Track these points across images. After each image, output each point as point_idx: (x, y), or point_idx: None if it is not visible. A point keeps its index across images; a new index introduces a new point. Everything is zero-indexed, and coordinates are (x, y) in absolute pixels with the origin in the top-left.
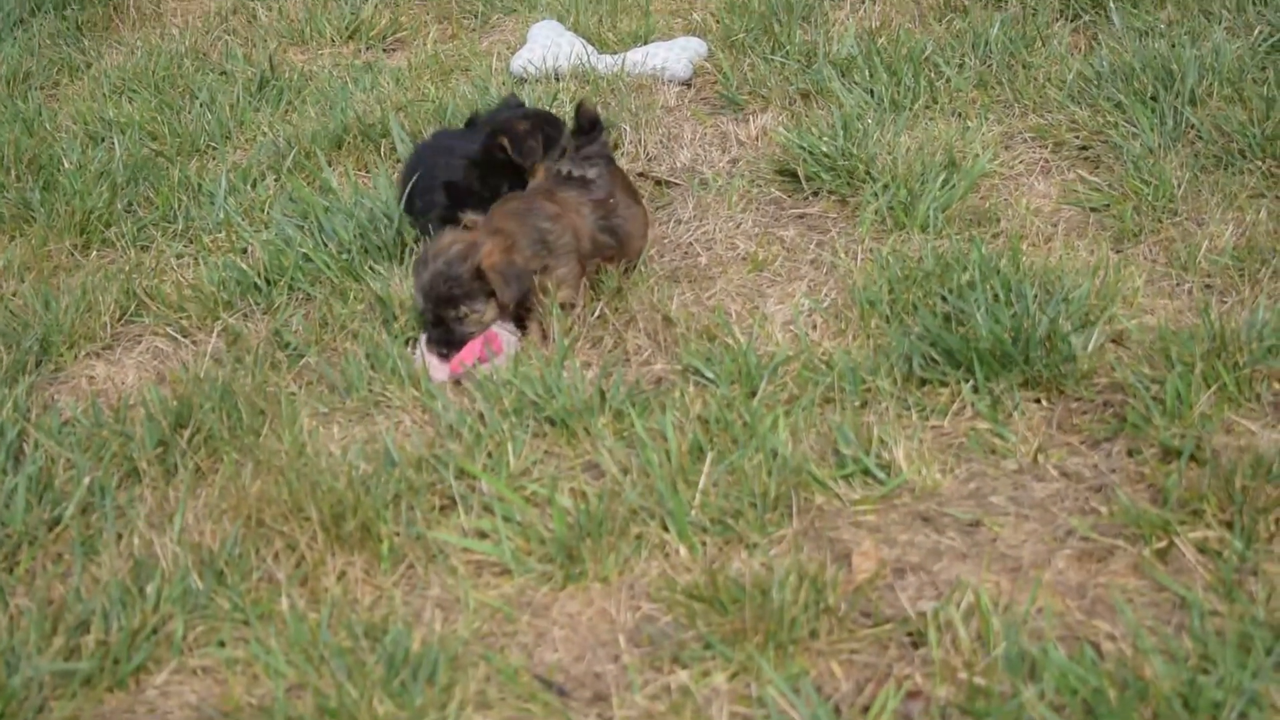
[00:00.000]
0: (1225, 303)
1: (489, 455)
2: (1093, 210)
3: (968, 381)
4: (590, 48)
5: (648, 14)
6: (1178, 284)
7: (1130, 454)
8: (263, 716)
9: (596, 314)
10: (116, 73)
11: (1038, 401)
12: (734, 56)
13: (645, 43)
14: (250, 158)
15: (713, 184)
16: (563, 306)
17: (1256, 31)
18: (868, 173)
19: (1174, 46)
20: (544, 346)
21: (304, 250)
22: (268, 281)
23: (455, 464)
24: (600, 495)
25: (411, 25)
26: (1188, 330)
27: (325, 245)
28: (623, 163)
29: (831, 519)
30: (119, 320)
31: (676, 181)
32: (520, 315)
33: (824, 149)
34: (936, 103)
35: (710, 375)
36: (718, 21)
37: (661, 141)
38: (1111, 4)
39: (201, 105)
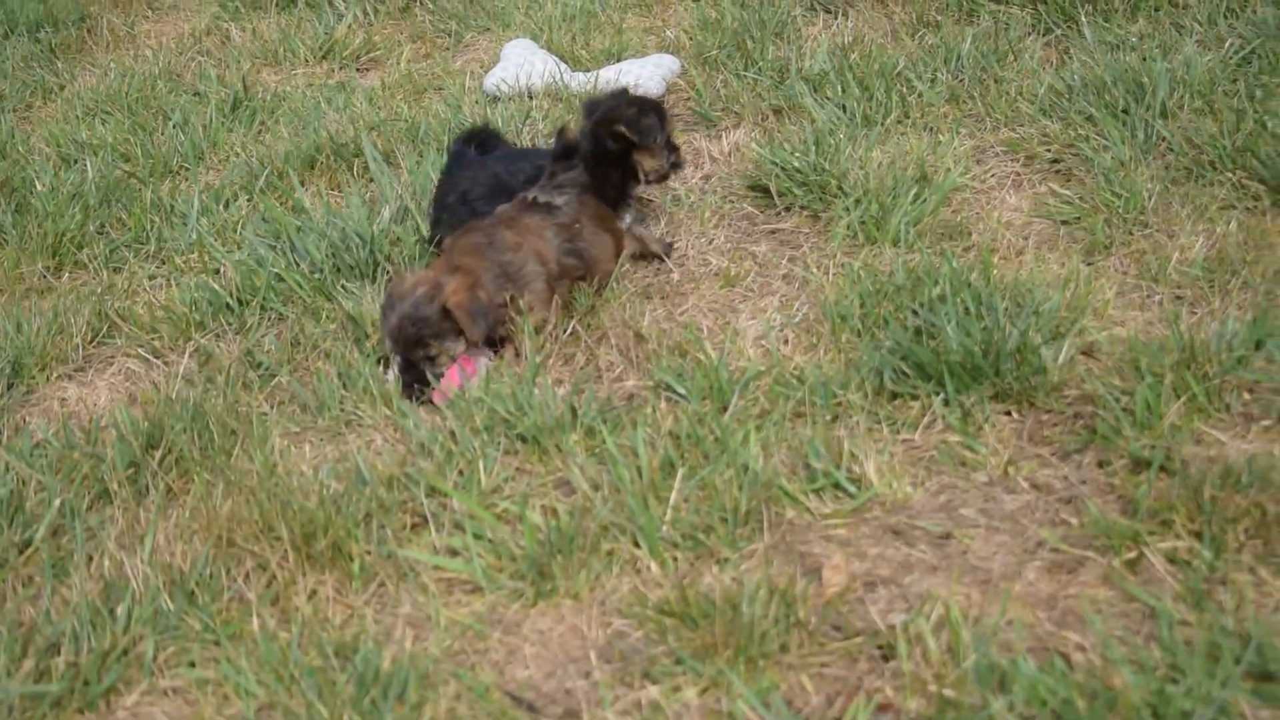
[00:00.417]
0: (1195, 314)
1: (460, 473)
2: (1064, 223)
3: (939, 395)
4: (563, 66)
5: (621, 31)
6: (1148, 296)
7: (1100, 465)
8: None
9: (569, 331)
10: (90, 94)
11: (1008, 414)
12: (707, 73)
13: (618, 60)
14: (223, 178)
15: (685, 200)
16: (538, 324)
17: (1227, 44)
18: (840, 188)
19: (1145, 59)
20: (516, 364)
21: (276, 270)
22: (240, 302)
23: (426, 482)
24: (571, 512)
25: (385, 45)
26: (1158, 342)
27: (298, 265)
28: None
29: (802, 533)
30: (91, 342)
31: (650, 198)
32: (492, 341)
33: (796, 164)
34: (908, 117)
35: (682, 391)
36: (691, 38)
37: None
38: (1083, 17)
39: (175, 126)
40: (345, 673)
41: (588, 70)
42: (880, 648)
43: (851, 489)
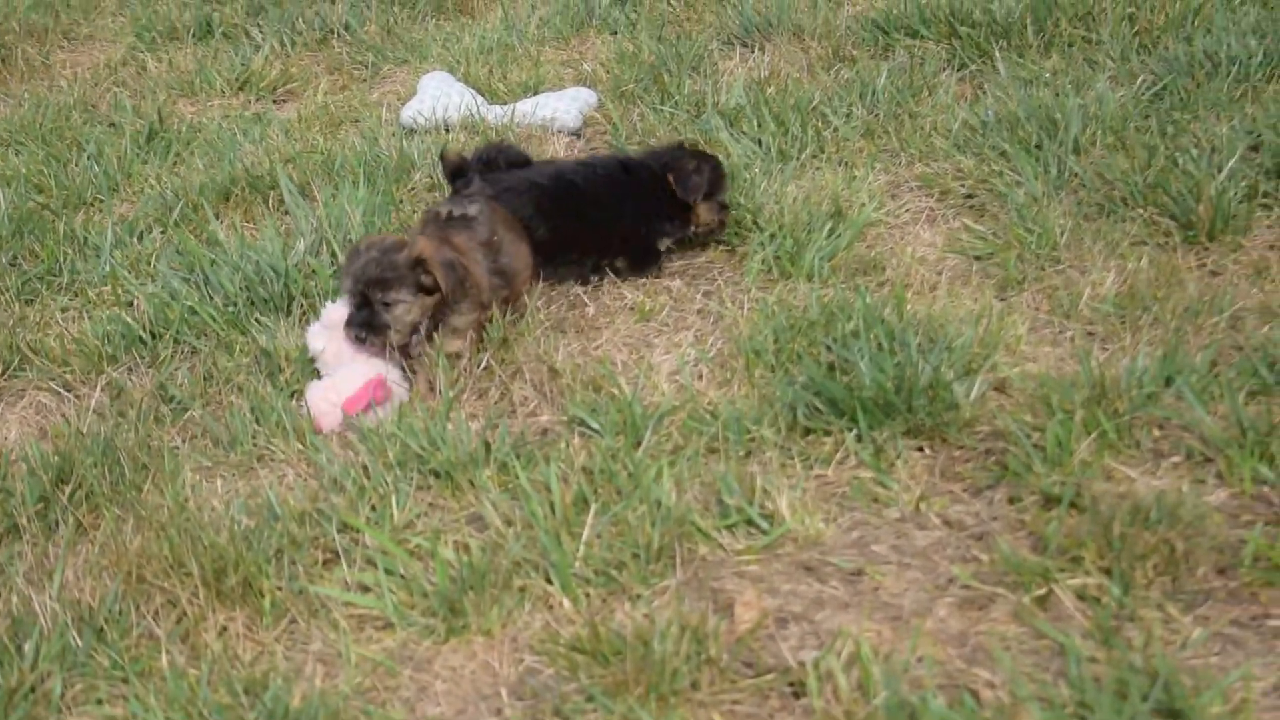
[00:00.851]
0: (1107, 350)
1: (373, 508)
2: (977, 258)
3: (851, 430)
4: (480, 98)
5: (538, 64)
6: (1060, 332)
7: (1011, 501)
8: None
9: (483, 365)
10: (3, 125)
11: (920, 450)
12: (624, 107)
13: (535, 93)
14: (137, 210)
15: None
16: (452, 356)
17: (1139, 80)
18: (755, 222)
19: (1058, 95)
20: (430, 398)
21: (190, 303)
22: (153, 335)
23: (338, 517)
24: (484, 548)
25: (302, 76)
26: (1069, 378)
27: (211, 298)
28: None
29: (715, 569)
30: (1, 375)
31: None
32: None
33: None
34: (824, 152)
35: (595, 426)
36: (608, 72)
37: None
38: (997, 53)
39: (89, 157)
40: (255, 710)
41: (504, 103)
42: (791, 685)
43: (764, 525)
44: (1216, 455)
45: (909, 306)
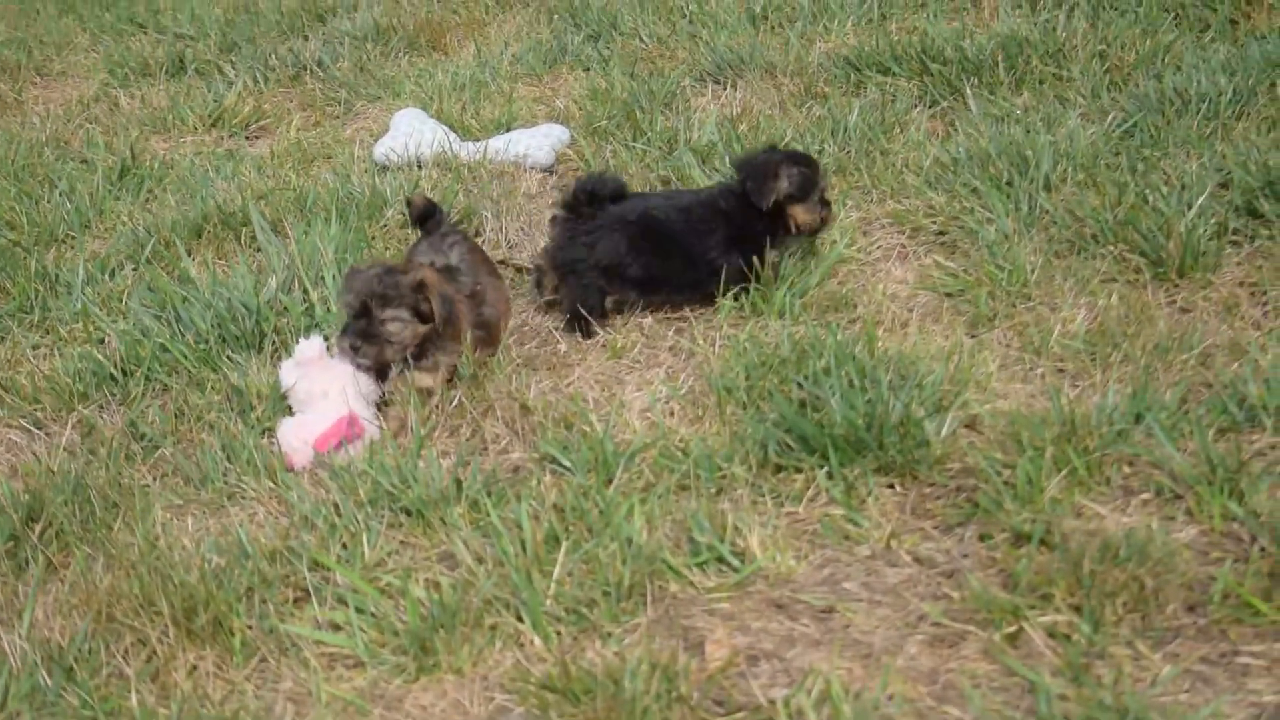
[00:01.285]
0: (1077, 387)
1: (344, 546)
2: (948, 295)
3: (822, 467)
4: (453, 135)
5: (511, 101)
6: (1031, 369)
7: (982, 539)
8: None
9: (454, 403)
10: None
11: (891, 487)
12: (596, 143)
13: (508, 130)
14: (109, 247)
15: None
16: (423, 391)
17: (1110, 117)
18: None
19: (1029, 132)
20: (402, 435)
21: (161, 340)
22: (124, 372)
23: (309, 555)
24: (455, 586)
25: (275, 113)
26: (1039, 415)
27: (183, 335)
28: (484, 250)
29: (686, 607)
30: None
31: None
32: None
33: None
34: None
35: (567, 464)
36: (580, 109)
37: (523, 229)
38: (969, 90)
39: (61, 194)
40: None
41: (477, 139)
42: None
43: (735, 562)
44: (1186, 492)
45: (880, 343)
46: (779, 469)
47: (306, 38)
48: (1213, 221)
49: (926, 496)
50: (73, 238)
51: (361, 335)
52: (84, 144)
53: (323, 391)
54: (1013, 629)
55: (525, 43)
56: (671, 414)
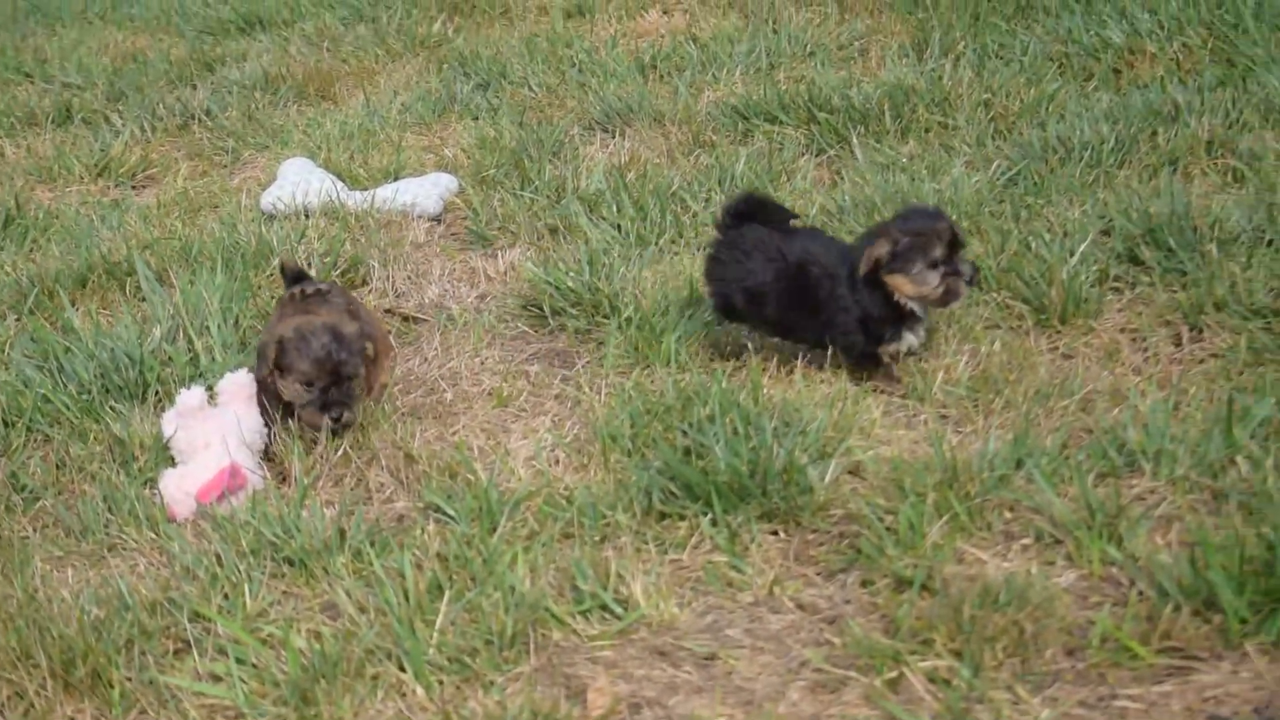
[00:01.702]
0: (960, 433)
1: (225, 597)
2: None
3: (706, 514)
4: (340, 184)
5: (399, 149)
6: (914, 415)
7: (864, 584)
8: None
9: (339, 452)
10: None
11: (775, 533)
12: (484, 192)
13: (396, 178)
14: None
15: (460, 320)
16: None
17: (994, 165)
18: (613, 307)
19: (914, 180)
20: (286, 486)
21: (43, 391)
22: (5, 423)
23: (190, 606)
24: (336, 636)
25: (162, 162)
26: (922, 461)
27: (65, 386)
28: (370, 299)
29: (569, 655)
30: None
31: (424, 317)
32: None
33: (570, 284)
34: (682, 237)
35: (451, 512)
36: (469, 157)
37: (410, 278)
38: (855, 139)
39: None
40: None
41: (365, 188)
42: None
43: (618, 610)
44: (1066, 537)
45: (765, 391)
46: (663, 516)
47: (195, 87)
48: (1094, 268)
49: (810, 543)
50: None
51: (343, 404)
52: None
53: (205, 442)
54: (894, 674)
55: (414, 91)
56: (557, 462)
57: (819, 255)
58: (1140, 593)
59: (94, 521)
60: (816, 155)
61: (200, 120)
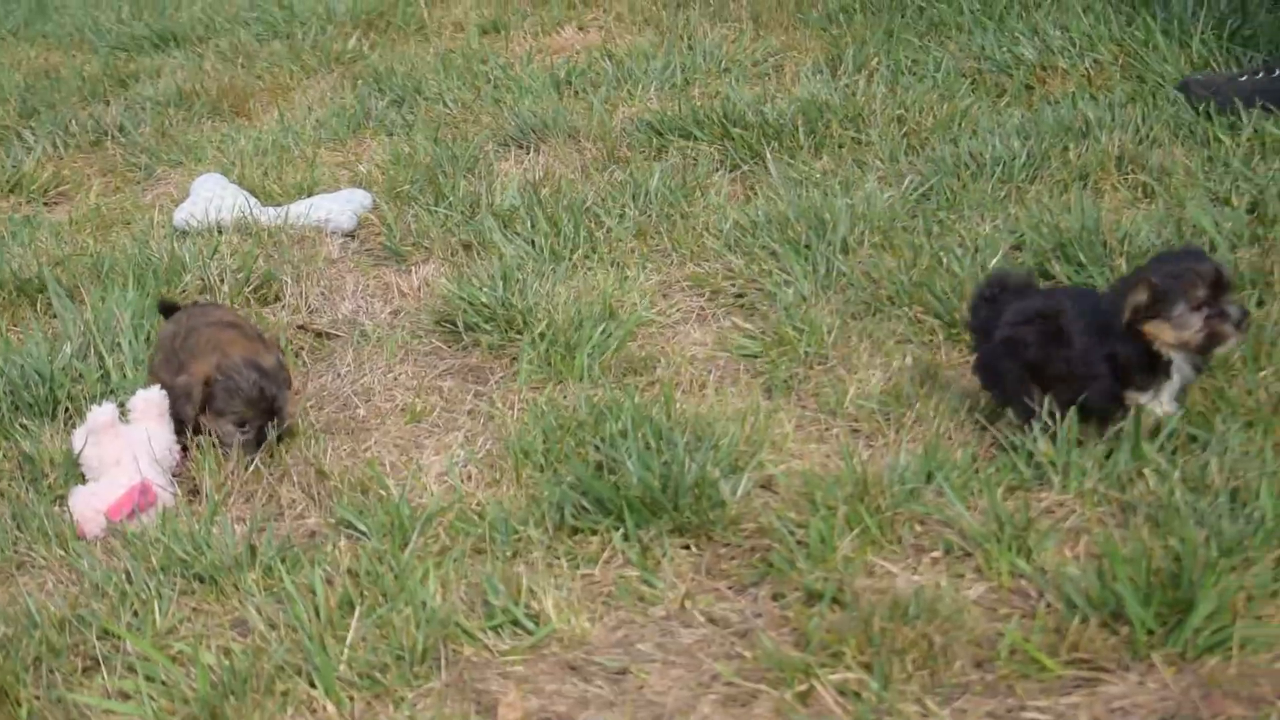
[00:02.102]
0: (871, 447)
1: (135, 614)
2: (746, 357)
3: (618, 529)
4: (253, 200)
5: (314, 165)
6: (826, 429)
7: (775, 598)
8: None
9: (250, 468)
10: None
11: (687, 548)
12: (399, 208)
13: (310, 194)
14: None
15: (373, 335)
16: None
17: (907, 181)
18: (526, 323)
19: (828, 196)
20: (197, 502)
21: None
22: None
23: (99, 624)
24: (246, 652)
25: (74, 179)
26: (833, 475)
27: None
28: (283, 315)
29: (480, 670)
30: None
31: (337, 334)
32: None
33: (484, 300)
34: (596, 252)
35: (363, 528)
36: (384, 173)
37: (323, 293)
38: (769, 154)
39: None
40: None
41: (279, 204)
42: None
43: (530, 625)
44: (975, 550)
45: (678, 406)
46: (575, 531)
47: (108, 103)
48: None
49: (721, 557)
50: None
51: (260, 440)
52: None
53: (116, 459)
54: (804, 687)
55: (329, 108)
56: (469, 478)
57: (1072, 305)
58: (1048, 605)
59: (2, 539)
60: (730, 171)
61: (113, 137)
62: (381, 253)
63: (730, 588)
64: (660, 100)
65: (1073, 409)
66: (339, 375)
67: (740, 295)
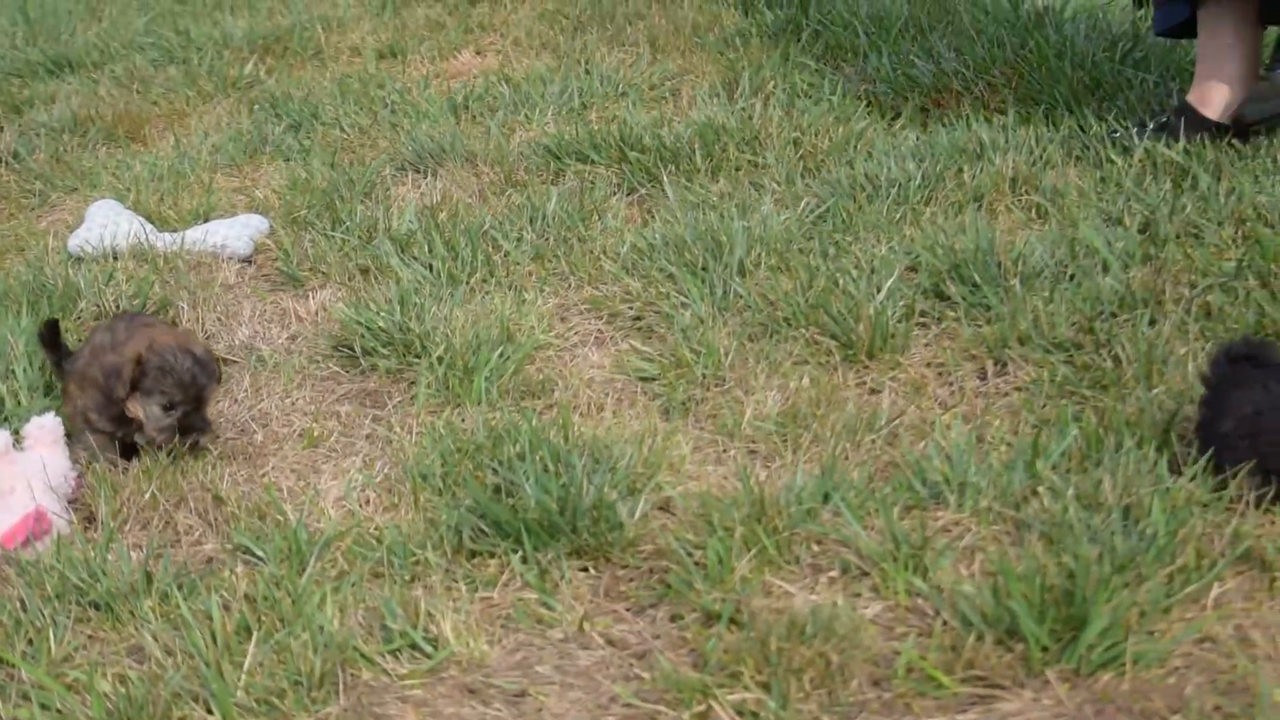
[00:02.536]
0: (768, 468)
1: (29, 642)
2: (643, 379)
3: (517, 552)
4: (149, 226)
5: (210, 191)
6: (724, 451)
7: (673, 619)
8: None
9: (147, 495)
10: None
11: (585, 570)
12: (295, 233)
13: (206, 220)
14: None
15: (270, 361)
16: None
17: (803, 203)
18: (424, 347)
19: (724, 218)
20: (93, 529)
21: None
22: None
23: None
24: (143, 679)
25: None
26: (730, 496)
27: None
28: None
29: (378, 694)
30: None
31: (234, 359)
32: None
33: (381, 324)
34: (493, 276)
35: (260, 554)
36: (280, 198)
37: (220, 319)
38: (666, 177)
39: None
40: None
41: (175, 230)
42: None
43: (428, 649)
44: (872, 569)
45: (575, 428)
46: (473, 554)
47: (2, 129)
48: (901, 304)
49: (620, 579)
50: None
51: (197, 429)
52: None
53: (10, 486)
54: (702, 708)
55: (226, 133)
56: (367, 502)
57: None
58: (945, 623)
59: None
60: (628, 194)
61: (7, 163)
62: (278, 278)
63: (628, 609)
64: (557, 124)
65: None
66: (236, 401)
67: (638, 318)
